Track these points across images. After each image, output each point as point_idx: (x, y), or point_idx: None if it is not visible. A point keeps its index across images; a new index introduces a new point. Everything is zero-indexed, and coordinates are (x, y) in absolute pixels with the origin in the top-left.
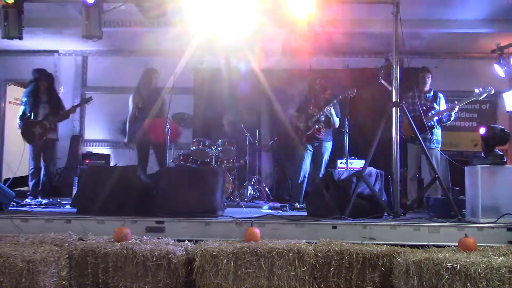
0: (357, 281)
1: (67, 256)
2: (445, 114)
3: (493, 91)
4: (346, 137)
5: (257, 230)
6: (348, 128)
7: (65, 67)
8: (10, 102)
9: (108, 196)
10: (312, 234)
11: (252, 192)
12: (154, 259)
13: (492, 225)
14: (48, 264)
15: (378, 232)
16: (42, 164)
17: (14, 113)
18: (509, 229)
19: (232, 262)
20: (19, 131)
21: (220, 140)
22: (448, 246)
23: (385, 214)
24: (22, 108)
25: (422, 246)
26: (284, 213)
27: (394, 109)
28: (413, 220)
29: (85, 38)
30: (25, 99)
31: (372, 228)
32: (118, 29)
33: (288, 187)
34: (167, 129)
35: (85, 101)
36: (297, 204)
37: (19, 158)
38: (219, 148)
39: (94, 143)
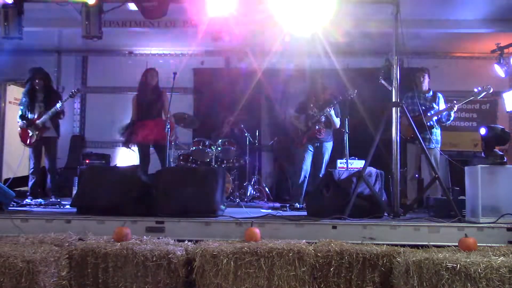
0: (357, 281)
1: (67, 256)
2: (444, 114)
3: (491, 90)
4: (346, 137)
5: (257, 230)
6: (348, 128)
7: (65, 67)
8: (10, 102)
9: (108, 196)
10: (312, 234)
11: (252, 192)
12: (154, 259)
13: (492, 225)
14: (48, 264)
15: (378, 232)
16: (46, 163)
17: (14, 113)
18: (509, 229)
19: (232, 262)
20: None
21: (220, 140)
22: (448, 246)
23: (385, 214)
24: (20, 108)
25: (422, 246)
26: (284, 213)
27: (394, 109)
28: (413, 220)
29: (85, 38)
30: (23, 99)
31: (372, 228)
32: (118, 29)
33: (288, 187)
34: (167, 129)
35: (72, 94)
36: (297, 204)
37: (19, 158)
38: (219, 148)
39: (94, 143)
